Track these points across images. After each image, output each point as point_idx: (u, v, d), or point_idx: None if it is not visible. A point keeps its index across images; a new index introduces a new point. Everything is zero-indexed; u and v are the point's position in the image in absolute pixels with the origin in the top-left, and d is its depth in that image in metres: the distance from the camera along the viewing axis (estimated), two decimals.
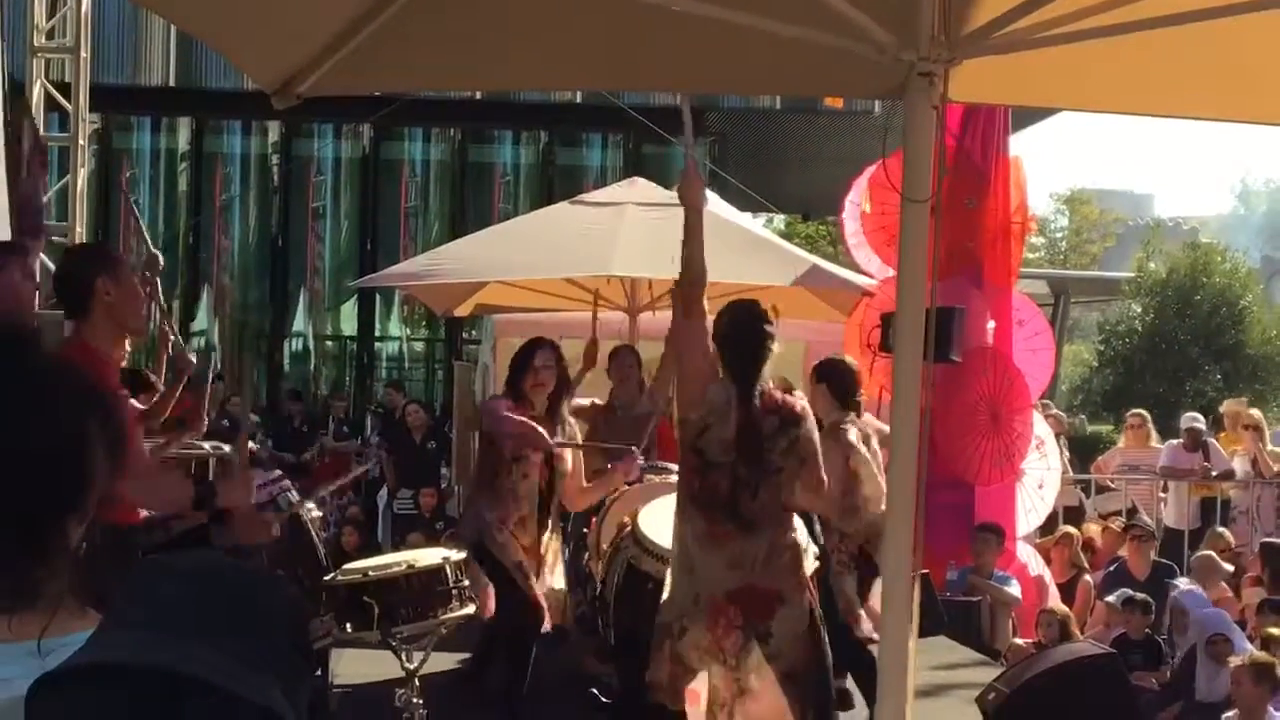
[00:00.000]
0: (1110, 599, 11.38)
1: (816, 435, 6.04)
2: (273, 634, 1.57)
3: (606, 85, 10.93)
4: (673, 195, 11.94)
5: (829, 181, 18.62)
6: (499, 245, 11.70)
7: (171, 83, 21.75)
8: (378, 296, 23.09)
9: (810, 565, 6.36)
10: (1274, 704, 8.75)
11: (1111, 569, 12.38)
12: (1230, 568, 12.36)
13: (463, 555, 6.67)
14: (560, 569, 8.21)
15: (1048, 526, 13.28)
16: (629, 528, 7.22)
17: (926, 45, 3.96)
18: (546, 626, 7.69)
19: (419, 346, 24.54)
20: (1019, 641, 11.06)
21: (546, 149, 23.51)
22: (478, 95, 19.21)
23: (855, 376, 8.28)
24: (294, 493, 6.37)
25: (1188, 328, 29.15)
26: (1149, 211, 78.06)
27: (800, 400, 6.12)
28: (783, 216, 33.74)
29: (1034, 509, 12.61)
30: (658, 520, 7.03)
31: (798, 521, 6.17)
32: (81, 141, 14.40)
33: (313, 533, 6.68)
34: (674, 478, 8.25)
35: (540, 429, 7.71)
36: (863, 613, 7.91)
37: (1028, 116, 18.80)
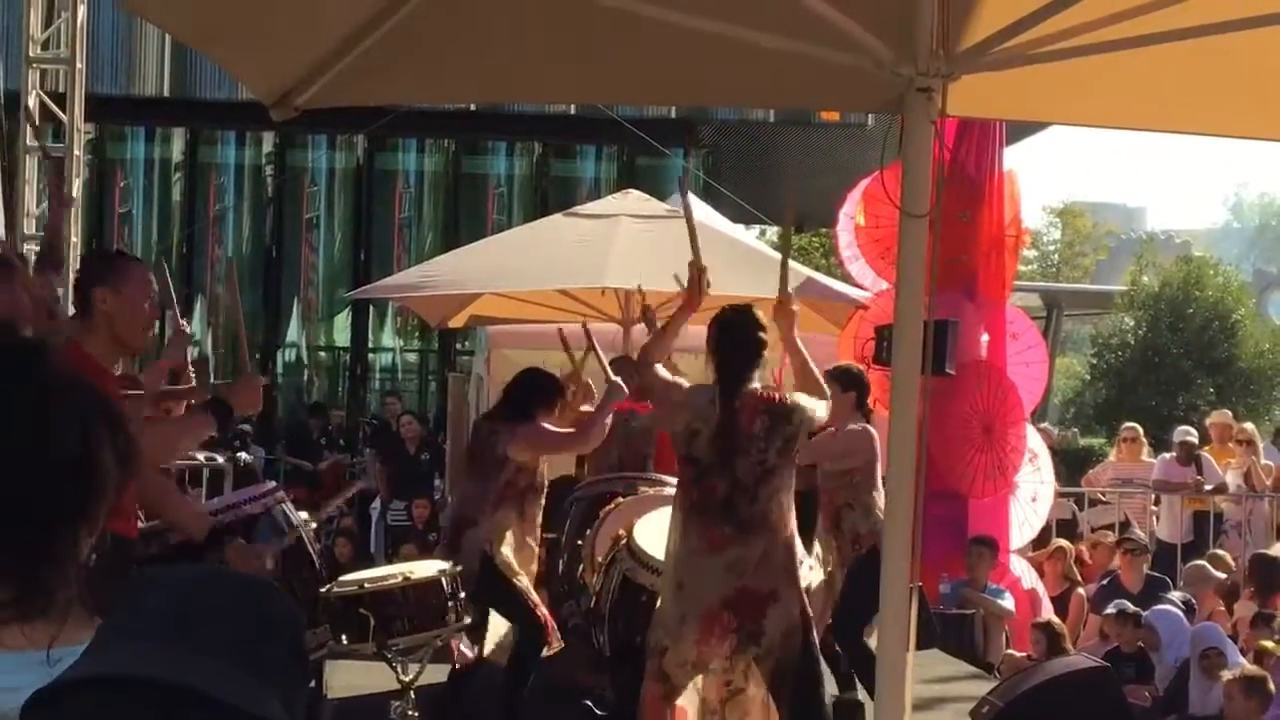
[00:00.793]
0: (1109, 611, 11.37)
1: (812, 420, 6.06)
2: (271, 644, 1.57)
3: (602, 99, 10.96)
4: (666, 208, 12.01)
5: (822, 193, 18.63)
6: (493, 257, 11.71)
7: (166, 93, 21.75)
8: (371, 307, 23.07)
9: (805, 576, 6.37)
10: (1266, 718, 8.76)
11: (1104, 582, 12.37)
12: (1223, 575, 12.36)
13: (459, 568, 6.67)
14: None
15: (1040, 540, 13.28)
16: (624, 540, 7.23)
17: (925, 60, 3.97)
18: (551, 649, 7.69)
19: (412, 358, 24.54)
20: (1014, 653, 11.05)
21: (540, 160, 23.52)
22: (472, 106, 19.24)
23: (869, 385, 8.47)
24: (289, 505, 6.37)
25: (1180, 341, 29.15)
26: (1142, 224, 78.17)
27: (791, 394, 6.13)
28: (775, 228, 33.76)
29: (1027, 522, 12.61)
30: (653, 533, 7.03)
31: (792, 527, 6.16)
32: (76, 152, 14.38)
33: (308, 544, 6.67)
34: (669, 490, 8.28)
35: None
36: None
37: (1021, 129, 18.82)
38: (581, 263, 10.50)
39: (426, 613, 6.35)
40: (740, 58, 4.41)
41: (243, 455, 14.75)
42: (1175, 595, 11.72)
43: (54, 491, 1.90)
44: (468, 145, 23.39)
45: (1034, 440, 12.64)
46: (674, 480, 8.33)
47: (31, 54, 14.17)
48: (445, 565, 6.62)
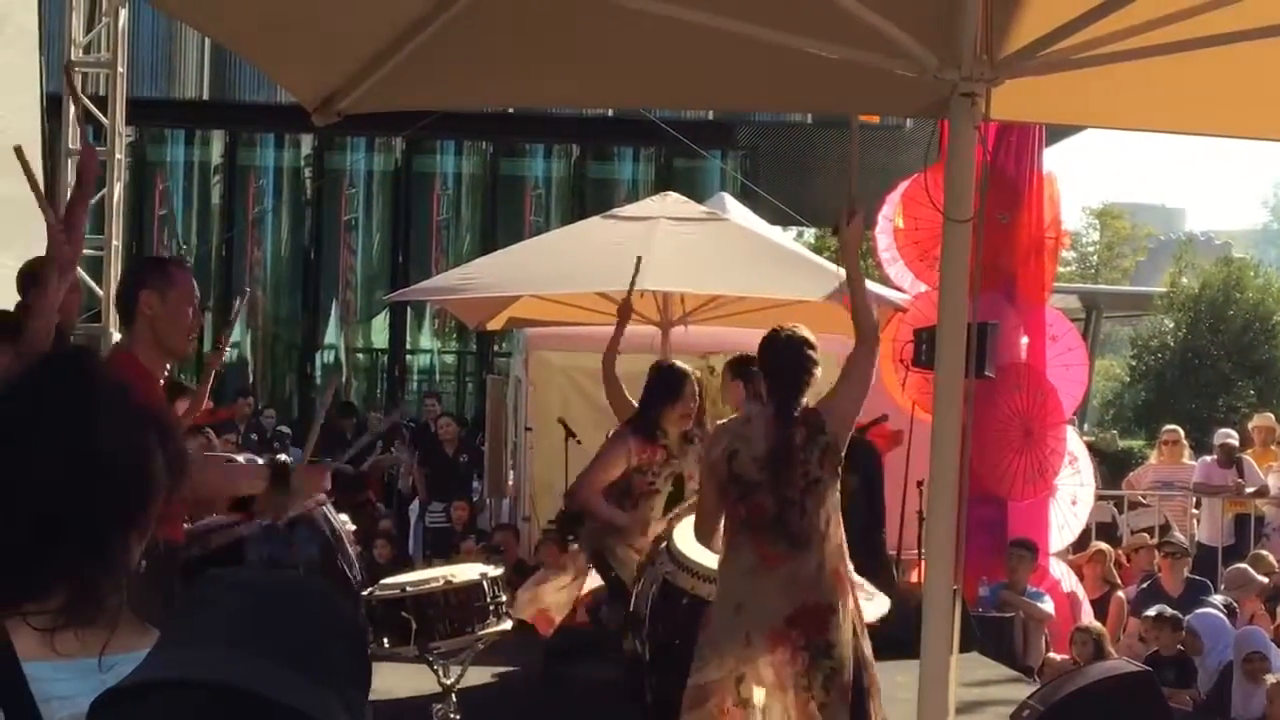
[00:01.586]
0: (1148, 615, 11.31)
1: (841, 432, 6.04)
2: (333, 649, 1.58)
3: (642, 102, 10.98)
4: (704, 210, 12.01)
5: (861, 194, 18.57)
6: (531, 259, 11.72)
7: (205, 96, 21.88)
8: (409, 309, 23.15)
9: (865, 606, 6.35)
10: None
11: (1145, 586, 12.31)
12: (1264, 581, 12.29)
13: (500, 571, 6.68)
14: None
15: (1080, 543, 13.22)
16: (664, 543, 7.22)
17: (969, 65, 3.96)
18: None
19: (450, 359, 24.60)
20: (1055, 656, 11.00)
21: (578, 162, 23.56)
22: (509, 109, 19.27)
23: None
24: (330, 508, 6.39)
25: (1220, 343, 29.01)
26: (1180, 226, 77.86)
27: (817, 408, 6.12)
28: (814, 230, 33.70)
29: (1067, 525, 12.55)
30: (692, 536, 7.02)
31: (841, 536, 6.12)
32: (118, 155, 14.47)
33: (348, 546, 6.69)
34: None
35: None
36: None
37: (1060, 131, 18.75)
38: (620, 265, 10.49)
39: (468, 616, 6.36)
40: (781, 63, 4.41)
41: (282, 457, 14.78)
42: (1216, 599, 11.66)
43: (104, 497, 1.92)
44: (505, 148, 23.44)
45: (1074, 443, 12.59)
46: None
47: (73, 57, 14.26)
48: (487, 569, 6.63)
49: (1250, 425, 16.46)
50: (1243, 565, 12.40)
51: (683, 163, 22.54)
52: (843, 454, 5.97)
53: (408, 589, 6.39)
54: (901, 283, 13.01)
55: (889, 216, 13.09)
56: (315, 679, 1.52)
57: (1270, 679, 9.18)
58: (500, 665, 8.46)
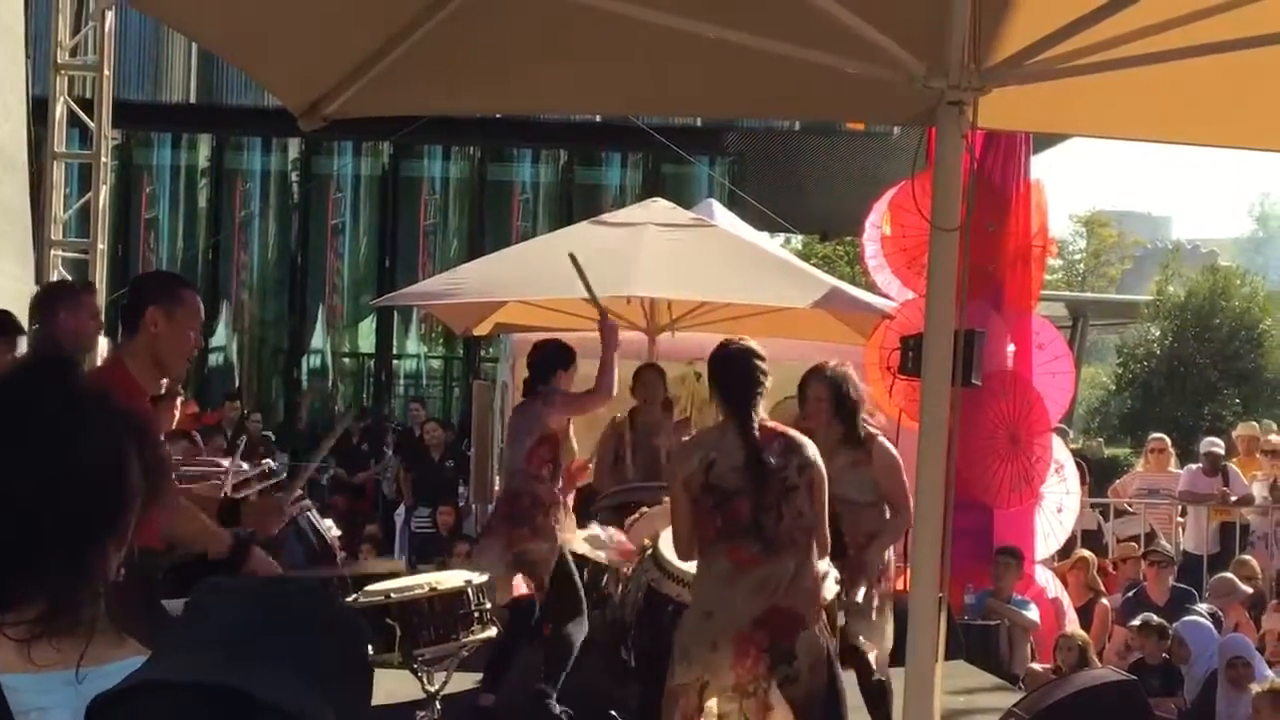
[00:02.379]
0: (1135, 623, 11.32)
1: (822, 465, 6.04)
2: (331, 652, 1.59)
3: (631, 109, 10.97)
4: (691, 216, 12.02)
5: (847, 202, 18.62)
6: (518, 265, 11.72)
7: (192, 99, 21.85)
8: (396, 314, 23.14)
9: (830, 590, 6.37)
10: None
11: (1130, 594, 12.33)
12: (1249, 590, 12.31)
13: (485, 578, 6.66)
14: None
15: (1065, 550, 13.23)
16: (649, 550, 7.21)
17: (957, 73, 3.96)
18: None
19: (437, 364, 24.58)
20: (1035, 667, 11.01)
21: (565, 168, 23.55)
22: (497, 114, 19.27)
23: None
24: (315, 514, 6.38)
25: (1206, 351, 29.06)
26: (1167, 234, 78.01)
27: (794, 432, 6.14)
28: (800, 236, 33.75)
29: (1052, 533, 12.56)
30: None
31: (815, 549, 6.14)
32: (104, 159, 14.45)
33: (334, 552, 6.68)
34: None
35: None
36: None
37: (1046, 139, 18.79)
38: (607, 271, 10.49)
39: (453, 622, 6.34)
40: (769, 70, 4.41)
41: (268, 462, 14.76)
42: (1202, 607, 11.67)
43: (82, 506, 1.91)
44: (493, 152, 23.44)
45: (1060, 451, 12.59)
46: None
47: (60, 60, 14.24)
48: (471, 575, 6.61)
49: (1235, 434, 16.49)
50: (1227, 574, 12.42)
51: (670, 168, 22.56)
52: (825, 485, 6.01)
53: (392, 595, 6.37)
54: (889, 290, 13.01)
55: (877, 223, 13.09)
56: (311, 681, 1.53)
57: (1256, 687, 9.18)
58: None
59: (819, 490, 5.95)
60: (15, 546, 1.86)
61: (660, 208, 11.74)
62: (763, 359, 6.09)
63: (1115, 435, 30.21)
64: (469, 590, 6.45)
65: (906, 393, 10.27)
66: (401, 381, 24.13)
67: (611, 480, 9.83)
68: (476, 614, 6.41)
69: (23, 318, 7.20)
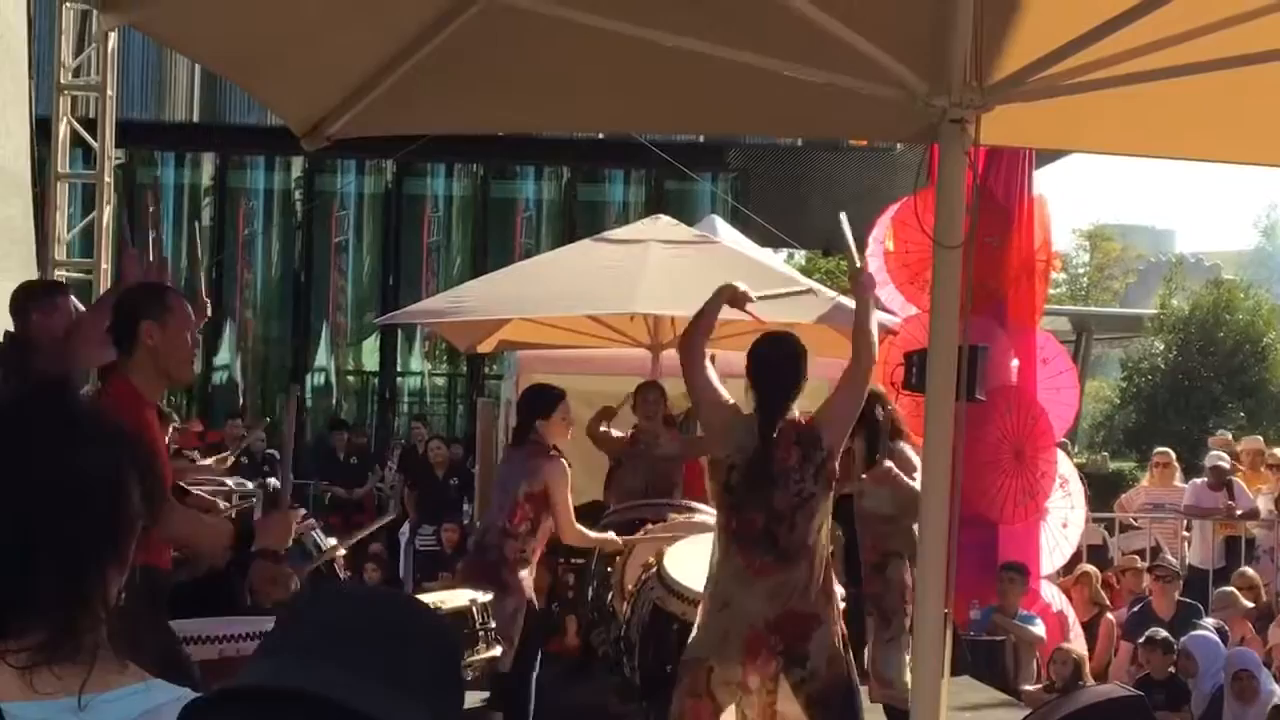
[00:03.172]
0: (1141, 639, 11.30)
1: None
2: (421, 661, 1.60)
3: (633, 127, 10.98)
4: (695, 232, 12.01)
5: (851, 217, 18.58)
6: (522, 282, 11.72)
7: (195, 118, 21.88)
8: (400, 332, 23.13)
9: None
10: None
11: (1136, 609, 12.31)
12: (1250, 605, 12.29)
13: (489, 597, 6.66)
14: None
15: (1071, 565, 13.21)
16: (654, 568, 7.21)
17: (959, 91, 3.96)
18: None
19: (441, 382, 24.58)
20: (1029, 688, 10.97)
21: (568, 185, 23.57)
22: (500, 132, 19.28)
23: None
24: (319, 533, 6.38)
25: (1210, 365, 28.99)
26: (1170, 247, 77.81)
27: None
28: (804, 252, 33.74)
29: (1058, 548, 12.54)
30: (683, 561, 7.01)
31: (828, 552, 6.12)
32: (107, 179, 14.47)
33: (337, 570, 6.68)
34: (699, 517, 8.27)
35: None
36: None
37: (1049, 153, 18.79)
38: (611, 288, 10.50)
39: None
40: (772, 88, 4.41)
41: (272, 480, 14.74)
42: (1208, 621, 11.65)
43: (82, 530, 1.90)
44: (496, 170, 23.46)
45: (1065, 466, 12.58)
46: (702, 506, 8.37)
47: (63, 80, 14.27)
48: (476, 594, 6.61)
49: (1240, 447, 16.45)
50: (1229, 589, 12.40)
51: (673, 185, 22.57)
52: (837, 463, 5.96)
53: None
54: (892, 305, 13.00)
55: (880, 239, 13.10)
56: (402, 690, 1.54)
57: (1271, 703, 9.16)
58: (488, 690, 8.42)
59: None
60: (15, 573, 1.86)
61: (663, 224, 11.75)
62: (803, 356, 6.03)
63: (1120, 449, 30.11)
64: (474, 609, 6.45)
65: (910, 408, 10.26)
66: (405, 399, 24.13)
67: (620, 498, 9.83)
68: (481, 633, 6.41)
69: None
